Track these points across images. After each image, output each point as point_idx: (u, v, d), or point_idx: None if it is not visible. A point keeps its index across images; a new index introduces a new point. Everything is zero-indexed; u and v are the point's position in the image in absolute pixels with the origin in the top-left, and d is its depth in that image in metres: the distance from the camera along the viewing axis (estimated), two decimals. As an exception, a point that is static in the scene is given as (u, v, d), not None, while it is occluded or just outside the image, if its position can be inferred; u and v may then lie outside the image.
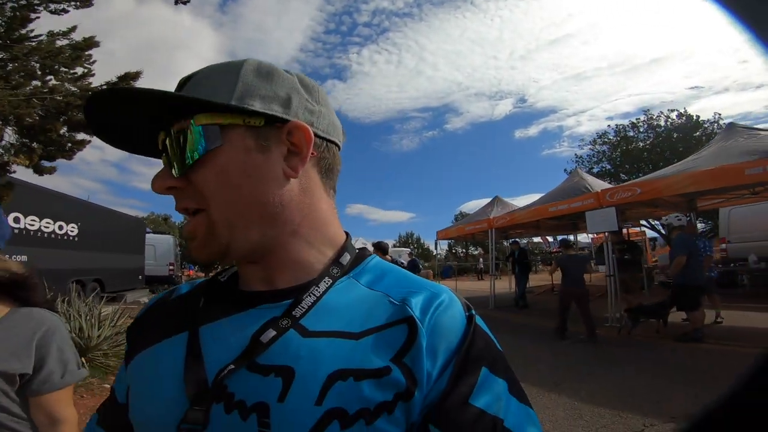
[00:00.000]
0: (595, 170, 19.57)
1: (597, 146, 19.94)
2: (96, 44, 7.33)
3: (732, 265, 10.24)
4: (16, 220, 9.21)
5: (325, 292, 0.48)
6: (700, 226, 15.93)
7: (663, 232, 14.07)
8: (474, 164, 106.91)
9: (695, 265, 5.89)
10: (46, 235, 10.06)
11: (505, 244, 13.32)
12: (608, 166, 19.17)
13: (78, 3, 6.27)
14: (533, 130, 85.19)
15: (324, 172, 0.53)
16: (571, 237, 14.12)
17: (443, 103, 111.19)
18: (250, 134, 0.47)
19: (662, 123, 18.30)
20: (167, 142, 0.48)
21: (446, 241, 22.20)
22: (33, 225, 9.62)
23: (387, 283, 0.50)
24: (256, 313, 0.48)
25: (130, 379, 0.53)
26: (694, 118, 17.57)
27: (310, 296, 0.47)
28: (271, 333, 0.45)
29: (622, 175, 18.21)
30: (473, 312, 0.48)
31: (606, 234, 7.63)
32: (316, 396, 0.41)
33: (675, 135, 17.08)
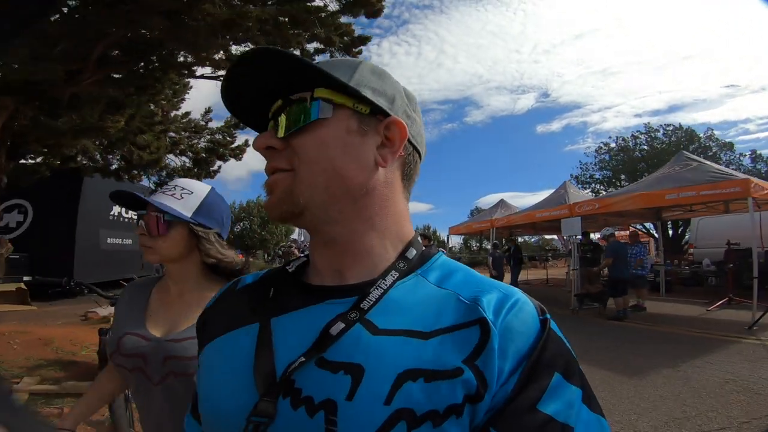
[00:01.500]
0: (597, 176, 21.33)
1: (600, 154, 21.61)
2: (198, 75, 9.78)
3: (690, 267, 12.09)
4: (125, 211, 12.25)
5: (391, 286, 0.49)
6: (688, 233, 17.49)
7: (656, 235, 15.73)
8: (493, 158, 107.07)
9: (621, 264, 7.96)
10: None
11: (521, 240, 15.40)
12: (609, 174, 20.86)
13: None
14: (556, 125, 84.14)
15: (405, 175, 0.55)
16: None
17: (463, 95, 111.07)
18: (355, 117, 0.50)
19: (660, 135, 19.88)
20: (285, 108, 0.51)
21: (460, 236, 24.37)
22: (129, 214, 12.62)
23: (456, 282, 0.49)
24: (324, 307, 0.48)
25: (202, 369, 0.55)
26: (690, 132, 19.08)
27: (377, 289, 0.48)
28: (341, 325, 0.45)
29: (623, 181, 19.84)
30: (548, 316, 0.47)
31: (573, 237, 9.73)
32: (385, 395, 0.41)
33: (672, 147, 18.59)
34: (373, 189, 0.51)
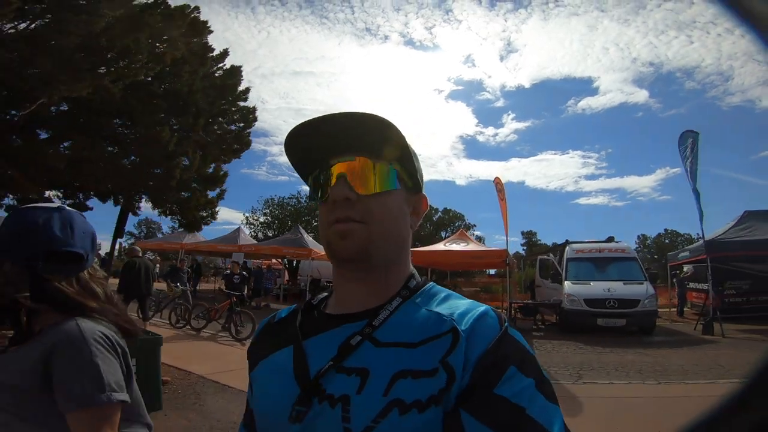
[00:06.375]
0: (262, 220, 30.56)
1: (267, 206, 30.85)
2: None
3: (299, 287, 22.15)
4: None
5: (396, 309, 0.63)
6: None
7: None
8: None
9: (258, 280, 15.95)
10: None
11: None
12: (271, 221, 30.56)
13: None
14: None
15: None
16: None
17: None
18: (405, 191, 0.69)
19: (293, 202, 30.72)
20: (361, 168, 0.65)
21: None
22: None
23: (440, 305, 0.64)
24: (341, 330, 0.63)
25: (254, 385, 0.71)
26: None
27: (385, 311, 0.63)
28: (358, 338, 0.60)
29: (278, 229, 29.68)
30: (507, 324, 0.59)
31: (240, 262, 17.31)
32: (384, 389, 0.55)
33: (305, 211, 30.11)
34: (406, 241, 0.70)
